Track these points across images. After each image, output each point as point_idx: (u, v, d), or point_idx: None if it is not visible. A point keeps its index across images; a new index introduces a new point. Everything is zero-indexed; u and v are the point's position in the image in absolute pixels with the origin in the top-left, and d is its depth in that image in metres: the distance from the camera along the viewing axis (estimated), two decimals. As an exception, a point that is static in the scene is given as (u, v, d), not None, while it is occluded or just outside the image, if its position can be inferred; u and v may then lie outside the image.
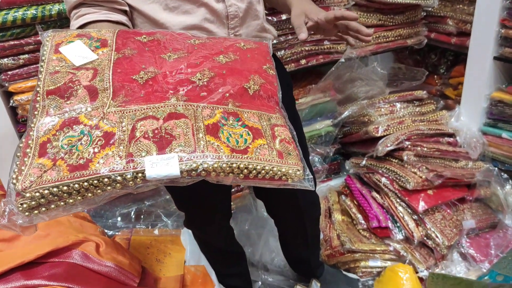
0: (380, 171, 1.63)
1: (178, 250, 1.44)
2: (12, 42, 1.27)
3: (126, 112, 0.65)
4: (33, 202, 0.58)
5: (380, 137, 1.65)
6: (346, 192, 1.75)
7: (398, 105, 1.78)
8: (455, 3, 1.85)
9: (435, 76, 2.11)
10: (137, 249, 1.38)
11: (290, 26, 1.63)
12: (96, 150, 0.60)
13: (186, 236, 1.50)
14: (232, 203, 1.61)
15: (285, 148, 0.70)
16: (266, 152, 0.67)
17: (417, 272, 1.44)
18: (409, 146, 1.60)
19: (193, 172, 0.61)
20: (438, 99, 1.92)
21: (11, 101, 1.32)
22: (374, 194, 1.63)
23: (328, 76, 1.78)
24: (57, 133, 0.62)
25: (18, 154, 0.62)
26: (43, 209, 0.59)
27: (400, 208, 1.54)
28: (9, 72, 1.31)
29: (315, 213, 1.32)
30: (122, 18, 0.88)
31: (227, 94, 0.72)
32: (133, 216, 1.69)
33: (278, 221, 1.34)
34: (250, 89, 0.76)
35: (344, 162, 1.88)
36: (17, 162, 0.61)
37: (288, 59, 1.68)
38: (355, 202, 1.67)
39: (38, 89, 0.68)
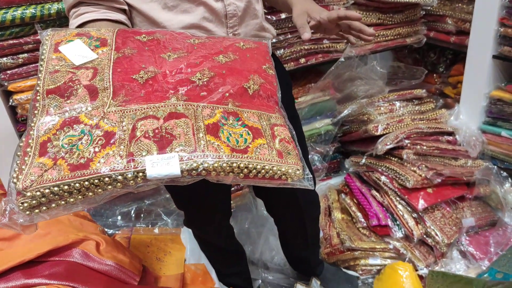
0: (379, 170, 1.63)
1: (178, 249, 1.45)
2: (11, 41, 1.27)
3: (127, 112, 0.66)
4: (34, 201, 0.58)
5: (380, 136, 1.65)
6: (346, 191, 1.75)
7: (398, 103, 1.79)
8: (454, 2, 1.85)
9: (435, 75, 2.11)
10: (137, 247, 1.39)
11: (290, 25, 1.63)
12: (96, 149, 0.60)
13: (186, 235, 1.50)
14: (232, 202, 1.61)
15: (285, 147, 0.70)
16: (266, 152, 0.67)
17: (416, 270, 1.44)
18: (408, 145, 1.60)
19: (194, 171, 0.61)
20: (438, 97, 1.92)
21: (11, 100, 1.32)
22: (374, 192, 1.64)
23: (328, 75, 1.78)
24: (57, 132, 0.62)
25: (19, 153, 0.62)
26: (44, 208, 0.59)
27: (399, 206, 1.54)
28: (8, 71, 1.31)
29: (315, 212, 1.33)
30: (121, 17, 0.88)
31: (227, 94, 0.72)
32: (133, 215, 1.69)
33: (278, 220, 1.34)
34: (249, 89, 0.76)
35: (344, 161, 1.89)
36: (18, 161, 0.61)
37: (288, 58, 1.68)
38: (355, 201, 1.67)
39: (38, 88, 0.68)
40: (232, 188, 1.74)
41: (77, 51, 0.73)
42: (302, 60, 1.72)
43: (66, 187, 0.58)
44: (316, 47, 1.72)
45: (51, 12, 1.27)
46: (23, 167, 0.59)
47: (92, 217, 1.37)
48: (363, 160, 1.70)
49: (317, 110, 1.82)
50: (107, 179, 0.59)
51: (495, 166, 1.67)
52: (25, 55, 1.31)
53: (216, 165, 0.62)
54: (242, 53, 0.82)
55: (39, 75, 0.69)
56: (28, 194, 0.57)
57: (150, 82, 0.71)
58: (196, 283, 1.33)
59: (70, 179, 0.58)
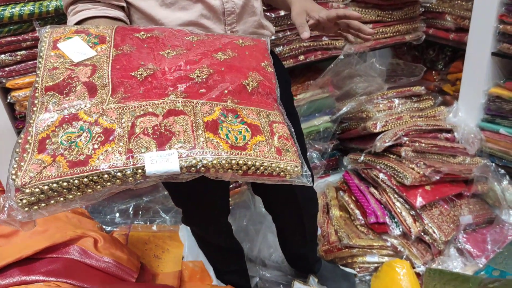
0: (378, 167, 1.63)
1: (176, 246, 1.45)
2: (9, 38, 1.27)
3: (126, 109, 0.66)
4: (33, 198, 0.58)
5: (378, 133, 1.65)
6: (344, 188, 1.75)
7: (397, 101, 1.79)
8: (453, -1, 1.85)
9: (433, 72, 2.11)
10: (135, 245, 1.39)
11: (289, 22, 1.62)
12: (96, 146, 0.60)
13: (185, 232, 1.50)
14: (230, 199, 1.61)
15: (284, 144, 0.71)
16: (264, 149, 0.67)
17: (414, 268, 1.44)
18: (407, 142, 1.60)
19: (193, 168, 0.62)
20: (436, 95, 1.92)
21: (9, 97, 1.32)
22: (372, 189, 1.64)
23: (327, 73, 1.78)
24: (56, 129, 0.62)
25: (17, 150, 0.62)
26: (43, 204, 0.59)
27: (397, 203, 1.55)
28: (7, 68, 1.30)
29: (313, 209, 1.33)
30: (120, 14, 0.88)
31: (226, 91, 0.73)
32: (131, 212, 1.69)
33: (276, 217, 1.34)
34: (248, 86, 0.76)
35: (342, 158, 1.89)
36: (16, 158, 0.61)
37: (287, 55, 1.68)
38: (353, 198, 1.68)
39: (36, 85, 0.68)
40: (231, 186, 1.74)
41: (75, 48, 0.72)
42: (301, 57, 1.72)
43: (65, 183, 0.58)
44: (315, 44, 1.72)
45: (50, 9, 1.26)
46: (22, 163, 0.59)
47: (90, 214, 1.37)
48: (362, 158, 1.70)
49: (316, 107, 1.82)
50: (106, 175, 0.59)
51: (493, 164, 1.67)
52: (23, 52, 1.30)
53: (215, 162, 0.62)
54: (241, 51, 0.82)
55: (38, 72, 0.69)
56: (27, 190, 0.57)
57: (149, 79, 0.71)
58: (194, 280, 1.34)
59: (69, 176, 0.58)
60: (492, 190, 1.64)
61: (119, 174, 0.59)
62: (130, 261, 1.11)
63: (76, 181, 0.58)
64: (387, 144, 1.60)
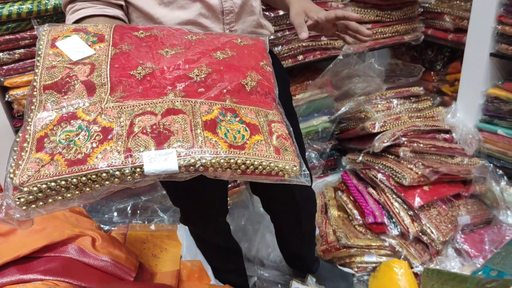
0: (376, 167, 1.63)
1: (175, 245, 1.45)
2: (7, 37, 1.27)
3: (124, 108, 0.66)
4: (31, 197, 0.58)
5: (377, 133, 1.65)
6: (343, 188, 1.75)
7: (395, 101, 1.79)
8: (452, -1, 1.85)
9: (432, 73, 2.12)
10: (133, 244, 1.39)
11: (288, 22, 1.62)
12: (94, 145, 0.60)
13: (183, 231, 1.50)
14: (228, 198, 1.61)
15: (282, 144, 0.71)
16: (263, 148, 0.67)
17: (412, 268, 1.45)
18: (405, 142, 1.60)
19: (191, 167, 0.61)
20: (435, 95, 1.92)
21: (7, 96, 1.32)
22: (370, 190, 1.64)
23: (326, 73, 1.78)
24: (54, 128, 0.62)
25: (15, 148, 0.62)
26: (41, 203, 0.59)
27: (396, 204, 1.55)
28: (5, 67, 1.30)
29: (312, 209, 1.33)
30: (118, 12, 0.87)
31: (225, 90, 0.72)
32: (130, 211, 1.69)
33: (275, 217, 1.34)
34: (247, 85, 0.76)
35: (341, 158, 1.89)
36: (14, 157, 0.61)
37: (285, 54, 1.68)
38: (351, 198, 1.68)
39: (34, 83, 0.67)
40: (229, 185, 1.74)
41: (74, 46, 0.72)
42: (300, 57, 1.72)
43: (63, 182, 0.58)
44: (314, 44, 1.72)
45: (48, 7, 1.26)
46: (20, 162, 0.59)
47: (88, 213, 1.36)
48: (360, 158, 1.70)
49: (315, 107, 1.82)
50: (104, 174, 0.59)
51: (491, 164, 1.68)
52: (22, 50, 1.30)
53: (213, 161, 0.62)
54: (239, 50, 0.82)
55: (36, 70, 0.69)
56: (25, 189, 0.57)
57: (148, 78, 0.70)
58: (192, 280, 1.33)
59: (67, 175, 0.58)
60: (490, 191, 1.64)
61: (117, 173, 0.59)
62: (128, 260, 1.10)
63: (75, 180, 0.58)
64: (385, 144, 1.60)
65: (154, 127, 0.63)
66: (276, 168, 0.67)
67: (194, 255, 1.43)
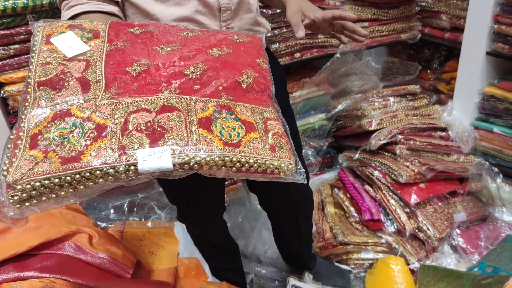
0: (373, 165, 1.64)
1: (172, 243, 1.45)
2: (2, 32, 1.26)
3: (119, 105, 0.65)
4: (24, 194, 0.57)
5: (373, 131, 1.66)
6: (339, 185, 1.76)
7: (392, 99, 1.79)
8: (449, -2, 1.85)
9: (428, 71, 2.12)
10: (130, 241, 1.38)
11: (285, 19, 1.62)
12: (88, 142, 0.60)
13: (180, 229, 1.50)
14: (225, 196, 1.61)
15: (278, 142, 0.70)
16: (258, 146, 0.67)
17: (408, 264, 1.45)
18: (402, 140, 1.61)
19: (186, 165, 0.61)
20: (431, 93, 1.93)
21: (2, 91, 1.31)
22: (367, 187, 1.64)
23: (323, 71, 1.78)
24: (48, 125, 0.62)
25: (9, 146, 0.61)
26: (34, 201, 0.59)
27: (392, 201, 1.55)
28: (0, 62, 1.29)
29: (309, 207, 1.33)
30: (114, 9, 0.87)
31: (220, 88, 0.72)
32: (126, 208, 1.68)
33: (272, 214, 1.34)
34: (243, 82, 0.76)
35: (337, 156, 1.89)
36: (8, 154, 0.60)
37: (282, 52, 1.68)
38: (348, 195, 1.68)
39: (29, 80, 0.67)
40: (226, 183, 1.73)
41: (69, 43, 0.72)
42: (297, 55, 1.71)
43: (57, 180, 0.57)
44: (311, 41, 1.72)
45: (44, 2, 1.25)
46: (14, 160, 0.59)
47: (84, 210, 1.36)
48: (357, 155, 1.70)
49: (312, 105, 1.82)
50: (98, 172, 0.58)
51: (487, 162, 1.69)
52: (17, 46, 1.29)
53: (208, 159, 0.62)
54: (236, 47, 0.82)
55: (30, 67, 0.69)
56: (19, 187, 0.57)
57: (143, 75, 0.70)
58: (189, 277, 1.33)
59: (61, 172, 0.57)
60: (486, 188, 1.65)
61: (111, 170, 0.58)
62: (126, 257, 1.10)
63: (68, 178, 0.58)
64: (382, 142, 1.60)
65: (149, 124, 0.63)
66: (271, 166, 0.66)
67: (191, 253, 1.43)
